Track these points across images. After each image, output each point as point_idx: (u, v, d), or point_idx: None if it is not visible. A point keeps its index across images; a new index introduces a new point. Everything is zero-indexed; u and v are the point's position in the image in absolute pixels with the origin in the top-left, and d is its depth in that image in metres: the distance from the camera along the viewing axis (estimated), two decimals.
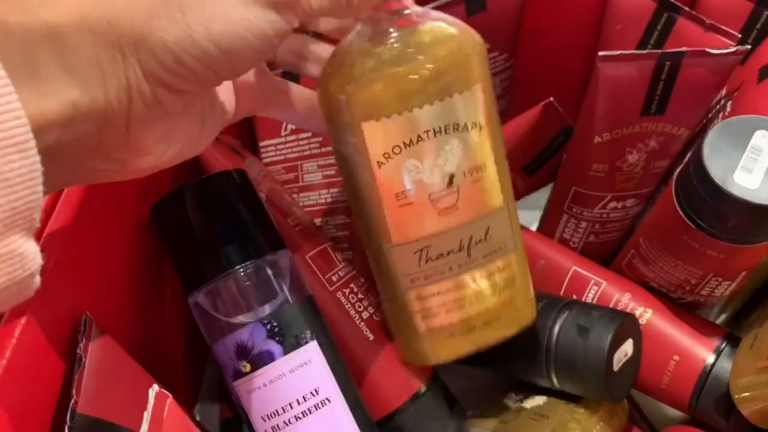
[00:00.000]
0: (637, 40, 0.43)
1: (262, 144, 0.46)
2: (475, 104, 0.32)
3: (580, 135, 0.41)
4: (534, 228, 0.51)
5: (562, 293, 0.45)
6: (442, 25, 0.32)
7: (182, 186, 0.33)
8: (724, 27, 0.40)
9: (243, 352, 0.34)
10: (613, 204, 0.44)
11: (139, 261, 0.34)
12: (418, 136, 0.31)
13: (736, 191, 0.32)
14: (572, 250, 0.47)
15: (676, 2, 0.41)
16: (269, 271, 0.33)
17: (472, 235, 0.33)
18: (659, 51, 0.37)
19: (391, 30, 0.31)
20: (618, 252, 0.46)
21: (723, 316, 0.48)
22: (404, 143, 0.31)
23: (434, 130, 0.31)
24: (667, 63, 0.37)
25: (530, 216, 0.52)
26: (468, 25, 0.33)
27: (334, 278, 0.39)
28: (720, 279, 0.39)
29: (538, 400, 0.42)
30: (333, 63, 0.32)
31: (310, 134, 0.45)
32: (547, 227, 0.49)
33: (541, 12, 0.46)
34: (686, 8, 0.41)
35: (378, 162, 0.32)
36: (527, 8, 0.45)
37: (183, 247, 0.33)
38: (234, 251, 0.32)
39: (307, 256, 0.39)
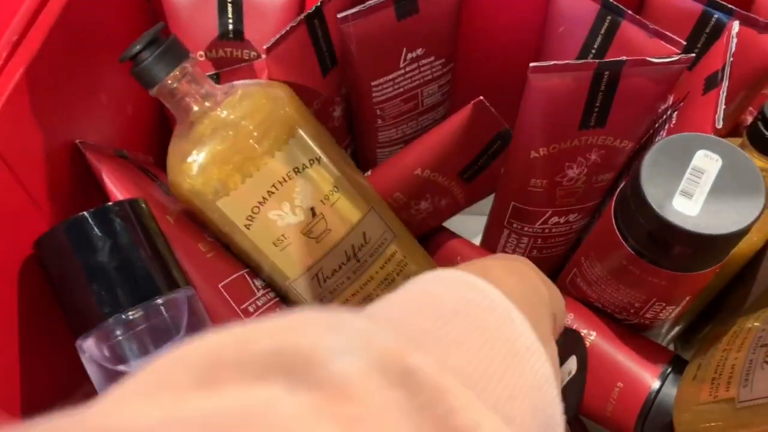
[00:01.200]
0: (580, 43, 0.41)
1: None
2: (304, 145, 0.35)
3: (516, 149, 0.38)
4: (478, 240, 0.48)
5: None
6: (246, 92, 0.35)
7: (67, 220, 0.29)
8: (668, 33, 0.37)
9: None
10: (554, 219, 0.42)
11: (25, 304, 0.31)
12: (268, 191, 0.35)
13: (674, 218, 0.30)
14: None
15: (619, 5, 0.38)
16: (164, 313, 0.30)
17: (353, 244, 0.37)
18: (596, 60, 0.34)
19: (200, 115, 0.34)
20: (564, 266, 0.44)
21: (673, 332, 0.46)
22: (259, 202, 0.35)
23: (279, 181, 0.35)
24: (606, 73, 0.35)
25: (477, 222, 0.49)
26: (267, 81, 0.36)
27: (250, 308, 0.36)
28: (664, 304, 0.36)
29: None
30: (168, 165, 0.35)
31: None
32: (489, 241, 0.46)
33: (480, 14, 0.43)
34: (630, 12, 0.38)
35: (245, 225, 0.35)
36: (465, 10, 0.42)
37: (67, 288, 0.29)
38: (123, 293, 0.29)
39: (219, 285, 0.36)
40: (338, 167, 0.37)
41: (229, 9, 0.42)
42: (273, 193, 0.34)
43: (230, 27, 0.42)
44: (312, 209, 0.35)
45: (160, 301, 0.29)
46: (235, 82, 0.36)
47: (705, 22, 0.39)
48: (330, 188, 0.36)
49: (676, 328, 0.45)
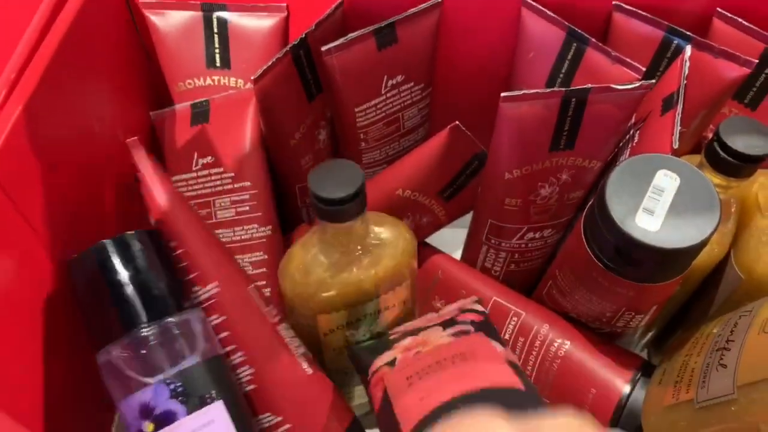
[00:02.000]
0: (549, 68, 0.43)
1: (173, 179, 0.45)
2: (398, 295, 0.39)
3: (491, 170, 0.41)
4: (458, 253, 0.50)
5: None
6: (385, 236, 0.38)
7: (91, 248, 0.32)
8: (629, 60, 0.39)
9: (146, 412, 0.33)
10: (530, 234, 0.44)
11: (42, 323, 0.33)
12: (357, 319, 0.39)
13: (636, 234, 0.32)
14: (494, 279, 0.46)
15: (583, 33, 0.41)
16: (176, 331, 0.32)
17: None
18: (564, 89, 0.37)
19: (356, 252, 0.37)
20: (541, 278, 0.46)
21: (645, 339, 0.48)
22: (344, 324, 0.39)
23: (366, 314, 0.39)
24: (573, 99, 0.37)
25: (458, 235, 0.51)
26: (404, 228, 0.39)
27: (273, 312, 0.38)
28: (633, 313, 0.39)
29: None
30: (294, 267, 0.37)
31: (222, 169, 0.44)
32: (469, 256, 0.48)
33: (454, 41, 0.45)
34: (593, 39, 0.41)
35: (324, 333, 0.39)
36: (441, 37, 0.44)
37: (91, 303, 0.32)
38: (141, 311, 0.32)
39: (248, 288, 0.38)
40: (408, 301, 0.41)
41: (216, 39, 0.44)
42: (360, 320, 0.39)
43: (217, 56, 0.44)
44: (378, 333, 0.41)
45: (175, 319, 0.32)
46: (370, 214, 0.37)
47: (666, 48, 0.42)
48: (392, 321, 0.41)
49: (648, 336, 0.48)
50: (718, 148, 0.36)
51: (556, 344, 0.42)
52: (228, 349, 0.36)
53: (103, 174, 0.41)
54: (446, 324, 0.39)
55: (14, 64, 0.34)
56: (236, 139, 0.44)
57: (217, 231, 0.45)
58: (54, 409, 0.33)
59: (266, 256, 0.45)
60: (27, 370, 0.32)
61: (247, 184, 0.43)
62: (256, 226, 0.44)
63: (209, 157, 0.44)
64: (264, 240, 0.44)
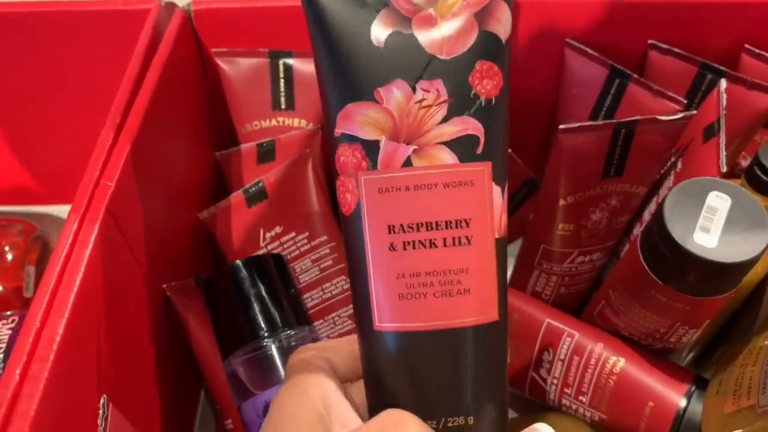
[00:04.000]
0: (593, 103, 0.46)
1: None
2: None
3: (546, 197, 0.44)
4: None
5: (537, 345, 0.47)
6: None
7: (232, 263, 0.38)
8: (670, 93, 0.43)
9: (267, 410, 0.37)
10: (580, 258, 0.47)
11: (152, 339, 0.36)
12: None
13: (696, 250, 0.35)
14: (544, 303, 0.49)
15: (625, 70, 0.44)
16: (293, 343, 0.36)
17: None
18: (615, 121, 0.40)
19: None
20: (587, 301, 0.48)
21: (690, 356, 0.51)
22: None
23: None
24: (623, 130, 0.40)
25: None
26: None
27: None
28: (687, 328, 0.41)
29: None
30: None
31: (294, 234, 0.45)
32: (519, 281, 0.51)
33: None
34: (635, 75, 0.44)
35: None
36: None
37: (223, 314, 0.37)
38: (264, 323, 0.37)
39: None
40: None
41: (281, 83, 0.47)
42: None
43: (282, 98, 0.48)
44: None
45: (290, 332, 0.35)
46: None
47: (700, 81, 0.45)
48: None
49: (692, 353, 0.50)
50: (758, 172, 0.39)
51: (611, 361, 0.44)
52: None
53: (180, 210, 0.44)
54: None
55: (117, 109, 0.37)
56: (301, 196, 0.45)
57: (305, 295, 0.45)
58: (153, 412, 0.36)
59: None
60: (134, 368, 0.34)
61: (324, 239, 0.45)
62: (343, 277, 0.45)
63: (277, 228, 0.45)
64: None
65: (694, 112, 0.41)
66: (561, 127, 0.39)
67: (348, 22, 0.25)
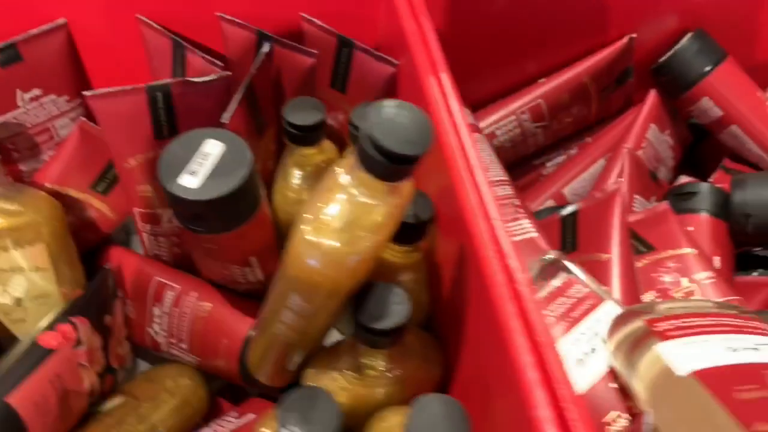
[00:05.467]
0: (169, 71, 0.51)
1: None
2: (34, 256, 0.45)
3: (116, 163, 0.47)
4: None
5: (148, 302, 0.51)
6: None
7: None
8: (209, 58, 0.47)
9: None
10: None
11: None
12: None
13: (176, 191, 0.39)
14: (159, 262, 0.53)
15: (181, 41, 0.49)
16: None
17: None
18: (145, 84, 0.44)
19: None
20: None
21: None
22: None
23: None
24: (158, 93, 0.44)
25: None
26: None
27: None
28: (239, 266, 0.46)
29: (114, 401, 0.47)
30: None
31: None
32: (142, 245, 0.54)
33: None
34: (189, 46, 0.49)
35: None
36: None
37: None
38: None
39: None
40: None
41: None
42: None
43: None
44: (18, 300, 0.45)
45: None
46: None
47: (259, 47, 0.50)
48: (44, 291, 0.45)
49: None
50: (287, 127, 0.45)
51: (201, 307, 0.49)
52: None
53: None
54: None
55: None
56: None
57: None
58: None
59: None
60: None
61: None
62: None
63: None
64: None
65: (229, 73, 0.46)
66: (86, 93, 0.43)
67: None
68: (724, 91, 0.58)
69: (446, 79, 0.41)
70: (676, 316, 0.33)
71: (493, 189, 0.50)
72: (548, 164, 0.65)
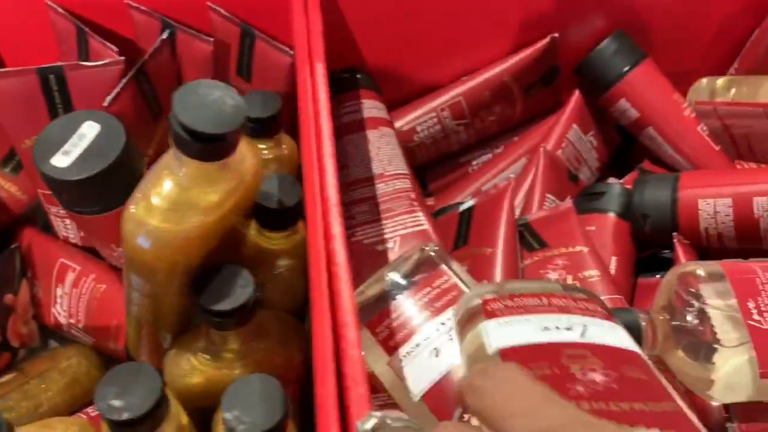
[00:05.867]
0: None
1: None
2: None
3: (14, 141, 0.48)
4: None
5: (53, 283, 0.52)
6: None
7: None
8: (108, 44, 0.48)
9: None
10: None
11: None
12: None
13: (46, 170, 0.40)
14: (67, 245, 0.54)
15: (83, 28, 0.50)
16: None
17: None
18: (37, 67, 0.45)
19: None
20: None
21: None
22: None
23: None
24: (51, 75, 0.45)
25: None
26: None
27: None
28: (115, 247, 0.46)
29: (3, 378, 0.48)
30: None
31: None
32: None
33: None
34: (91, 32, 0.50)
35: None
36: None
37: None
38: None
39: None
40: None
41: None
42: None
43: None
44: None
45: None
46: None
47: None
48: None
49: None
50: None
51: (96, 289, 0.50)
52: None
53: None
54: None
55: None
56: None
57: None
58: None
59: None
60: None
61: None
62: None
63: None
64: None
65: (122, 58, 0.47)
66: None
67: None
68: (641, 93, 0.58)
69: (320, 68, 0.42)
70: (512, 296, 0.34)
71: (389, 182, 0.50)
72: (474, 162, 0.65)
